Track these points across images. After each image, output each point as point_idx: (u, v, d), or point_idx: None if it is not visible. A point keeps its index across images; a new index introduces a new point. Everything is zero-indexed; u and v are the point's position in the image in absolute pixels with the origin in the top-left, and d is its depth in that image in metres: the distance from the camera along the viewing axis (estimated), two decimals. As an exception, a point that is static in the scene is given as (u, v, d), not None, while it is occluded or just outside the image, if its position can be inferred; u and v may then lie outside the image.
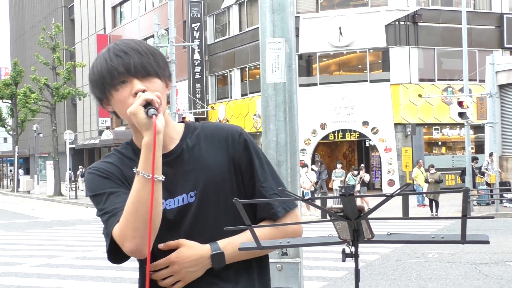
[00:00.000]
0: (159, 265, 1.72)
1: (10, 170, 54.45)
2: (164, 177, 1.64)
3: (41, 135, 44.88)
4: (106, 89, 1.72)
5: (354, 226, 1.45)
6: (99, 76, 1.72)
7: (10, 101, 43.30)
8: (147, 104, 1.61)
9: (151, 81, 1.70)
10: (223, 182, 1.77)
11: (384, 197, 1.37)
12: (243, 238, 1.71)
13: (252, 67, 31.61)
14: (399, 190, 1.31)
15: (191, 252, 1.70)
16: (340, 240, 1.51)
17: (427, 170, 20.78)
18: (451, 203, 21.03)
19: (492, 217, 1.48)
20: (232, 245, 1.72)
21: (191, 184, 1.76)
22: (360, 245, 1.46)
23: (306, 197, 1.44)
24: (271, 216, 1.77)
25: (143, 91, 1.66)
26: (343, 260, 1.51)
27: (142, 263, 1.82)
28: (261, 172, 1.80)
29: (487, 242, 1.44)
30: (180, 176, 1.77)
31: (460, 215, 1.37)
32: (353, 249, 1.49)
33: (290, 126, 3.29)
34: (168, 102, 29.83)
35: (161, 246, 1.72)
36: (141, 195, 1.60)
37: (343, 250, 1.51)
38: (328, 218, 1.47)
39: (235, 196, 1.68)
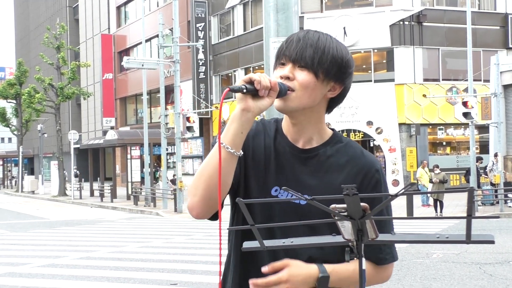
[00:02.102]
0: (270, 283, 1.69)
1: (9, 170, 54.59)
2: (238, 152, 1.69)
3: (45, 135, 45.02)
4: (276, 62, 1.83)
5: (358, 225, 1.44)
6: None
7: (14, 101, 43.42)
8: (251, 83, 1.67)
9: (299, 72, 1.74)
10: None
11: (389, 197, 1.35)
12: (349, 269, 1.73)
13: (257, 67, 31.61)
14: (403, 190, 1.30)
15: (301, 271, 1.71)
16: (344, 240, 1.50)
17: (431, 170, 20.75)
18: (455, 203, 20.99)
19: (497, 217, 1.48)
20: (337, 273, 1.73)
21: (309, 188, 1.77)
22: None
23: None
24: (376, 260, 1.80)
25: (287, 78, 1.73)
26: (347, 260, 1.50)
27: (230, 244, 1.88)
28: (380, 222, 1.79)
29: (493, 242, 1.43)
30: (304, 175, 1.80)
31: (464, 215, 1.36)
32: (357, 249, 1.48)
33: (294, 125, 3.28)
34: (172, 102, 29.85)
35: (265, 270, 1.70)
36: (211, 159, 1.69)
37: (347, 250, 1.50)
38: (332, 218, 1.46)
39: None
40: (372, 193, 1.78)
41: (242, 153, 1.72)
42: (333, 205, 1.43)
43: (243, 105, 1.67)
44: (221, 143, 1.68)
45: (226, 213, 1.76)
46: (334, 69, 1.76)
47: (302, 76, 1.73)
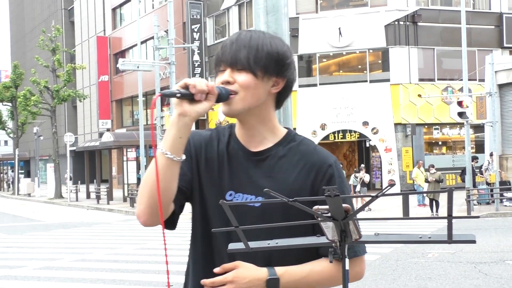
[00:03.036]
0: (216, 283, 1.71)
1: (6, 173, 54.47)
2: (178, 157, 1.69)
3: (41, 137, 44.95)
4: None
5: (341, 226, 1.46)
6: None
7: (10, 104, 43.35)
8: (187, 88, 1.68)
9: (238, 75, 1.75)
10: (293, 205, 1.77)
11: (370, 198, 1.37)
12: (303, 270, 1.73)
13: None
14: (383, 191, 1.31)
15: (248, 273, 1.71)
16: (328, 241, 1.51)
17: (427, 170, 20.79)
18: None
19: (477, 217, 1.48)
20: (289, 275, 1.72)
21: (263, 190, 1.77)
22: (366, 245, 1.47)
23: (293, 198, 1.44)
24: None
25: (227, 82, 1.75)
26: (330, 261, 1.51)
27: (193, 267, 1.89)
28: None
29: (474, 242, 1.44)
30: (257, 177, 1.80)
31: (459, 214, 1.37)
32: (340, 249, 1.50)
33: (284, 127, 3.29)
34: (168, 104, 29.85)
35: (217, 270, 1.72)
36: (152, 166, 1.70)
37: (331, 251, 1.51)
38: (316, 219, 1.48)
39: (302, 227, 1.74)
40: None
41: (184, 157, 1.72)
42: (316, 206, 1.44)
43: (179, 110, 1.68)
44: (160, 149, 1.69)
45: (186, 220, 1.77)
46: (272, 64, 1.77)
47: (242, 78, 1.75)
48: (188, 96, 1.67)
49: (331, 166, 1.81)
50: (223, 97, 1.73)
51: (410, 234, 1.52)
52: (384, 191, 1.31)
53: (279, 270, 1.72)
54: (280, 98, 1.86)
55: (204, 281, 1.72)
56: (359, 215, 1.44)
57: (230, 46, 1.78)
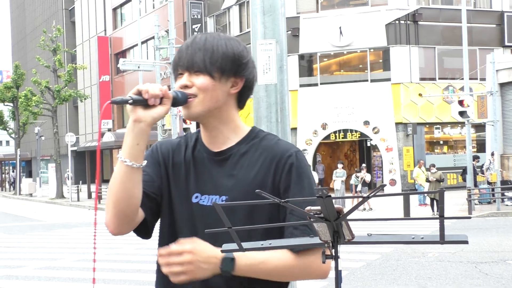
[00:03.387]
0: (173, 252, 1.70)
1: (8, 173, 54.55)
2: (137, 164, 1.70)
3: (42, 137, 45.02)
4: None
5: (333, 227, 1.46)
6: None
7: (11, 104, 43.38)
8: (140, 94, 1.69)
9: (195, 78, 1.77)
10: (257, 199, 1.76)
11: (361, 199, 1.37)
12: (261, 257, 1.71)
13: (253, 68, 31.63)
14: (373, 192, 1.31)
15: (206, 248, 1.71)
16: (321, 242, 1.51)
17: (428, 170, 20.78)
18: (453, 202, 21.01)
19: (469, 217, 1.48)
20: (246, 257, 1.71)
21: (226, 189, 1.78)
22: (361, 245, 1.47)
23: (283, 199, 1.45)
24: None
25: (185, 86, 1.76)
26: (323, 262, 1.51)
27: (158, 266, 1.87)
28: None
29: (466, 242, 1.44)
30: (221, 177, 1.81)
31: (461, 214, 1.38)
32: (333, 250, 1.50)
33: (282, 127, 3.30)
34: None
35: (173, 245, 1.72)
36: (114, 175, 1.73)
37: (323, 252, 1.51)
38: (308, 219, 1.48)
39: (265, 219, 1.76)
40: (287, 177, 1.76)
41: (145, 163, 1.73)
42: (308, 207, 1.44)
43: (134, 116, 1.69)
44: (120, 157, 1.71)
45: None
46: (228, 65, 1.78)
47: (199, 81, 1.76)
48: (142, 102, 1.68)
49: (291, 156, 1.79)
50: (180, 100, 1.75)
51: (403, 234, 1.51)
52: (374, 192, 1.31)
53: (237, 253, 1.69)
54: (242, 98, 1.86)
55: (160, 252, 1.71)
56: (351, 216, 1.44)
57: (186, 50, 1.79)
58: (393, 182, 27.38)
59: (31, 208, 29.54)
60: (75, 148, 34.49)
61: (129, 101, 1.67)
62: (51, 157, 45.40)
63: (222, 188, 1.80)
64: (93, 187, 33.50)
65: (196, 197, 1.82)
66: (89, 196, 33.05)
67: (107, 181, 36.81)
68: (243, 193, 1.77)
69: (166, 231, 1.88)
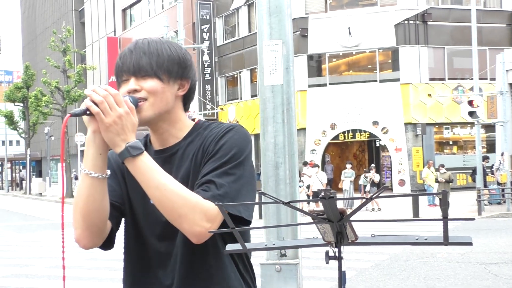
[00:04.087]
0: (98, 90, 1.66)
1: (19, 171, 54.84)
2: (102, 174, 1.69)
3: (52, 137, 45.16)
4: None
5: (337, 228, 1.46)
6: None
7: (22, 104, 43.61)
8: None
9: (143, 82, 1.75)
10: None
11: (364, 200, 1.37)
12: (164, 174, 1.67)
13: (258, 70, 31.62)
14: (377, 193, 1.32)
15: (134, 126, 1.67)
16: (324, 243, 1.52)
17: (437, 170, 20.69)
18: (462, 203, 20.92)
19: (473, 219, 1.48)
20: (149, 157, 1.67)
21: (179, 180, 1.75)
22: (370, 246, 1.47)
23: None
24: (199, 189, 1.70)
25: (134, 90, 1.74)
26: (327, 262, 1.51)
27: (125, 259, 1.92)
28: (209, 166, 1.72)
29: (470, 244, 1.44)
30: (173, 173, 1.78)
31: (470, 215, 1.38)
32: (336, 251, 1.50)
33: (288, 128, 3.30)
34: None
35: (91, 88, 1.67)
36: (79, 188, 1.73)
37: (327, 252, 1.52)
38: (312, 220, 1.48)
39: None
40: (212, 147, 1.74)
41: (109, 172, 1.72)
42: (311, 208, 1.45)
43: (92, 127, 1.67)
44: (83, 170, 1.69)
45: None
46: (174, 68, 1.78)
47: (148, 84, 1.75)
48: (88, 111, 1.65)
49: (226, 132, 1.77)
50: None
51: (407, 235, 1.52)
52: (377, 193, 1.31)
53: (146, 154, 1.67)
54: (187, 100, 1.87)
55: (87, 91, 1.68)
56: (354, 217, 1.45)
57: (130, 55, 1.78)
58: (402, 183, 27.30)
59: (41, 208, 29.67)
60: (84, 148, 34.58)
61: (87, 112, 1.65)
62: (60, 157, 45.55)
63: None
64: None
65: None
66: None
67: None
68: (192, 180, 1.76)
69: (131, 233, 1.89)
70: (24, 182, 49.24)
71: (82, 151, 33.21)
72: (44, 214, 25.07)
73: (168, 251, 1.78)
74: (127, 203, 1.86)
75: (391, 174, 28.45)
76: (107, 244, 1.88)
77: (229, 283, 1.79)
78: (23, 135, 45.08)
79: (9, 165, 54.00)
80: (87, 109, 1.64)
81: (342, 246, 1.49)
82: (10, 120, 44.15)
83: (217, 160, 1.71)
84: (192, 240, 1.67)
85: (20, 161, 55.12)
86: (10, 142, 78.82)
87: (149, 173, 1.65)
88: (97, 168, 1.69)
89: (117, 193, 1.83)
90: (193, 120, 1.91)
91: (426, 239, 1.50)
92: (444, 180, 19.34)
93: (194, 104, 33.13)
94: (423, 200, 21.26)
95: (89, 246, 1.81)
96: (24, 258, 11.89)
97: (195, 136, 1.83)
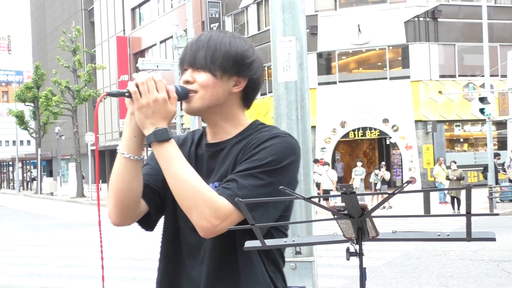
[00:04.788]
0: (143, 73, 1.72)
1: (30, 171, 55.12)
2: (135, 156, 1.73)
3: (63, 137, 45.38)
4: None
5: (358, 224, 1.44)
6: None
7: (32, 104, 43.79)
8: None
9: (197, 74, 1.78)
10: None
11: (387, 195, 1.35)
12: (187, 165, 1.69)
13: (271, 66, 31.59)
14: (400, 188, 1.30)
15: (168, 113, 1.71)
16: (345, 239, 1.50)
17: (448, 167, 20.59)
18: (474, 200, 20.80)
19: (497, 214, 1.46)
20: (176, 147, 1.70)
21: (218, 176, 1.79)
22: (380, 243, 1.45)
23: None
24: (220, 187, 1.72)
25: (187, 81, 1.79)
26: (347, 259, 1.50)
27: (161, 245, 1.92)
28: (241, 166, 1.71)
29: (493, 239, 1.42)
30: (216, 167, 1.82)
31: (483, 212, 1.36)
32: (357, 247, 1.48)
33: (302, 124, 3.28)
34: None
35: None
36: (114, 166, 1.77)
37: (348, 249, 1.50)
38: (332, 216, 1.46)
39: None
40: (252, 151, 1.72)
41: (142, 156, 1.76)
42: (332, 204, 1.43)
43: (130, 109, 1.72)
44: (118, 150, 1.75)
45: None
46: (230, 64, 1.77)
47: (201, 77, 1.77)
48: (129, 93, 1.70)
49: (270, 138, 1.74)
50: (180, 95, 1.76)
51: (428, 231, 1.50)
52: (401, 187, 1.29)
53: (172, 143, 1.70)
54: (247, 98, 1.86)
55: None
56: (375, 213, 1.43)
57: (191, 47, 1.81)
58: (413, 180, 27.19)
59: (52, 207, 29.81)
60: (95, 147, 34.76)
61: (125, 94, 1.70)
62: (71, 156, 45.78)
63: (215, 176, 1.81)
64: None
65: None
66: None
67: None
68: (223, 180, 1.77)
69: (170, 227, 1.88)
70: (35, 182, 49.51)
71: (92, 151, 33.38)
72: (56, 214, 25.18)
73: (199, 243, 1.78)
74: (170, 194, 1.84)
75: (401, 172, 28.35)
76: (147, 224, 1.90)
77: (256, 285, 1.76)
78: (33, 135, 45.26)
79: (20, 165, 54.27)
80: (128, 91, 1.69)
81: (363, 243, 1.48)
82: (21, 120, 44.35)
83: (250, 163, 1.70)
84: (200, 233, 1.68)
85: (31, 161, 55.39)
86: (21, 142, 79.24)
87: (170, 161, 1.68)
88: (130, 149, 1.73)
89: (160, 178, 1.82)
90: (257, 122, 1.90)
91: (448, 235, 1.48)
92: (455, 178, 19.24)
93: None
94: (433, 198, 21.16)
95: (118, 223, 1.85)
96: (36, 258, 11.94)
97: (245, 136, 1.82)
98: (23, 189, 51.91)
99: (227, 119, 1.84)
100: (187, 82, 1.79)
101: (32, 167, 56.39)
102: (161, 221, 1.95)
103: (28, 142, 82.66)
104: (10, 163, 58.63)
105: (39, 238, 15.88)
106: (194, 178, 1.67)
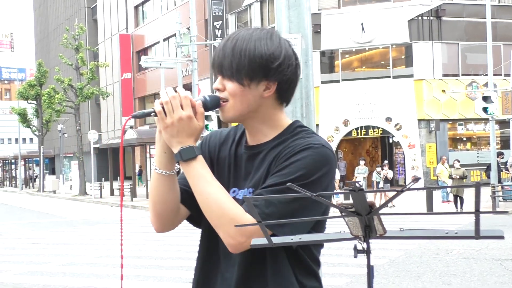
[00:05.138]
0: (169, 92, 1.73)
1: (33, 170, 55.15)
2: (167, 172, 1.76)
3: (65, 135, 45.40)
4: None
5: (365, 222, 1.43)
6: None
7: (35, 102, 43.85)
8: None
9: (226, 82, 1.77)
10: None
11: (395, 192, 1.34)
12: (214, 182, 1.70)
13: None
14: (409, 185, 1.29)
15: (195, 130, 1.73)
16: (352, 236, 1.49)
17: (451, 166, 20.57)
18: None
19: (506, 212, 1.46)
20: (202, 164, 1.72)
21: (253, 182, 1.79)
22: (383, 241, 1.45)
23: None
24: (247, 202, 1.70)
25: (218, 89, 1.79)
26: (355, 256, 1.49)
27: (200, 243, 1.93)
28: (271, 180, 1.71)
29: (502, 237, 1.41)
30: (252, 171, 1.82)
31: (484, 210, 1.35)
32: (365, 245, 1.47)
33: (307, 122, 3.27)
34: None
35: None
36: (151, 180, 1.83)
37: (355, 246, 1.49)
38: (339, 214, 1.46)
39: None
40: (283, 164, 1.71)
41: (174, 171, 1.78)
42: (339, 201, 1.42)
43: (159, 127, 1.74)
44: (153, 166, 1.81)
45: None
46: (255, 71, 1.73)
47: (229, 86, 1.76)
48: (155, 112, 1.72)
49: (305, 148, 1.71)
50: (209, 105, 1.76)
51: (437, 229, 1.49)
52: (409, 185, 1.28)
53: (200, 158, 1.72)
54: (282, 95, 1.80)
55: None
56: (383, 210, 1.42)
57: (218, 53, 1.78)
58: (416, 179, 27.16)
59: (55, 205, 29.84)
60: (97, 145, 34.73)
61: (151, 114, 1.73)
62: (74, 154, 45.83)
63: (250, 182, 1.81)
64: (115, 184, 33.75)
65: (234, 191, 1.83)
66: (112, 193, 33.28)
67: (129, 178, 37.10)
68: (256, 188, 1.78)
69: (208, 225, 1.83)
70: (37, 180, 49.56)
71: (95, 148, 33.39)
72: (58, 212, 25.21)
73: None
74: None
75: (404, 171, 28.33)
76: (195, 221, 1.91)
77: None
78: (36, 132, 45.31)
79: (22, 162, 54.33)
80: (153, 111, 1.71)
81: (370, 240, 1.47)
82: (24, 117, 44.42)
83: (279, 177, 1.68)
84: (228, 249, 1.71)
85: (34, 159, 55.43)
86: (24, 139, 79.35)
87: (196, 179, 1.71)
88: (161, 165, 1.77)
89: None
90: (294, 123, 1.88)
91: (456, 233, 1.47)
92: (458, 177, 19.23)
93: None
94: (436, 196, 21.14)
95: (160, 230, 1.88)
96: (39, 256, 11.95)
97: (281, 141, 1.79)
98: (26, 187, 51.97)
99: (264, 121, 1.81)
100: (218, 89, 1.79)
101: (34, 165, 56.44)
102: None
103: (31, 140, 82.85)
104: (13, 161, 58.67)
105: (42, 236, 15.89)
106: (220, 196, 1.69)
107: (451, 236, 1.46)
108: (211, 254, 1.88)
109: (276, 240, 1.56)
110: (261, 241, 1.58)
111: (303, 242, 1.58)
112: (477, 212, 1.34)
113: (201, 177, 1.71)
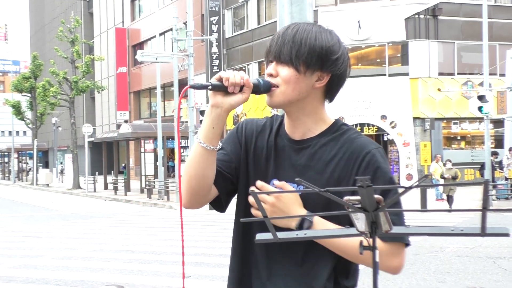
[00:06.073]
0: (265, 188, 1.80)
1: (26, 163, 54.99)
2: (211, 146, 1.79)
3: (60, 128, 45.33)
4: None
5: (372, 218, 1.43)
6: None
7: (29, 95, 43.72)
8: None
9: (281, 68, 1.80)
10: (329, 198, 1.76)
11: (403, 189, 1.34)
12: (335, 228, 1.76)
13: (270, 61, 31.54)
14: (417, 182, 1.29)
15: (295, 200, 1.78)
16: (358, 232, 1.49)
17: (445, 165, 20.61)
18: (470, 198, 20.85)
19: (513, 210, 1.46)
20: (323, 225, 1.77)
21: (306, 177, 1.81)
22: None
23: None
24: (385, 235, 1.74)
25: (270, 75, 1.83)
26: (360, 253, 1.49)
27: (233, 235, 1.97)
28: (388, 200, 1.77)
29: (507, 235, 1.41)
30: (298, 166, 1.85)
31: (477, 209, 1.35)
32: (371, 241, 1.47)
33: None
34: (185, 96, 29.96)
35: (258, 184, 1.80)
36: (190, 152, 1.85)
37: (361, 242, 1.49)
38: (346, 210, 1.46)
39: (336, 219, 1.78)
40: (364, 174, 1.77)
41: (219, 146, 1.83)
42: (346, 197, 1.42)
43: (212, 101, 1.78)
44: (197, 138, 1.82)
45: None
46: (313, 60, 1.79)
47: (284, 72, 1.80)
48: (221, 89, 1.76)
49: (370, 153, 1.80)
50: (260, 89, 1.80)
51: (442, 226, 1.49)
52: (418, 182, 1.28)
53: (317, 218, 1.77)
54: (330, 91, 1.88)
55: (258, 183, 1.81)
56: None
57: (277, 40, 1.82)
58: (409, 177, 27.24)
59: (48, 198, 29.78)
60: (92, 139, 34.67)
61: (209, 87, 1.75)
62: (68, 147, 45.75)
63: (299, 178, 1.80)
64: (109, 178, 33.70)
65: (272, 183, 1.86)
66: (105, 187, 33.26)
67: (121, 172, 37.02)
68: (319, 186, 1.78)
69: (243, 212, 1.91)
70: (31, 173, 49.42)
71: (89, 142, 33.33)
72: (52, 205, 25.16)
73: None
74: (243, 179, 1.92)
75: (398, 169, 28.39)
76: (219, 207, 1.96)
77: None
78: (30, 125, 45.19)
79: (16, 155, 54.17)
80: (210, 84, 1.74)
81: (376, 236, 1.47)
82: (18, 110, 44.29)
83: (391, 194, 1.74)
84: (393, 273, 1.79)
85: (27, 152, 55.28)
86: (17, 132, 79.16)
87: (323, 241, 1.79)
88: (207, 139, 1.80)
89: (233, 165, 1.90)
90: (201, 113, 1.97)
91: (462, 230, 1.47)
92: (450, 177, 19.25)
93: (201, 96, 33.10)
94: (430, 194, 21.19)
95: (188, 206, 1.90)
96: (33, 249, 11.92)
97: (330, 139, 1.85)
98: (19, 180, 51.83)
99: (308, 114, 1.86)
100: (271, 75, 1.82)
101: (28, 158, 56.27)
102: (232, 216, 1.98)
103: (24, 132, 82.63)
104: (6, 153, 58.50)
105: (36, 229, 15.86)
106: (337, 244, 1.78)
107: (457, 233, 1.46)
108: (245, 247, 1.93)
109: (281, 235, 1.56)
110: (267, 236, 1.58)
111: (308, 238, 1.58)
112: (484, 209, 1.34)
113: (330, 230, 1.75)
